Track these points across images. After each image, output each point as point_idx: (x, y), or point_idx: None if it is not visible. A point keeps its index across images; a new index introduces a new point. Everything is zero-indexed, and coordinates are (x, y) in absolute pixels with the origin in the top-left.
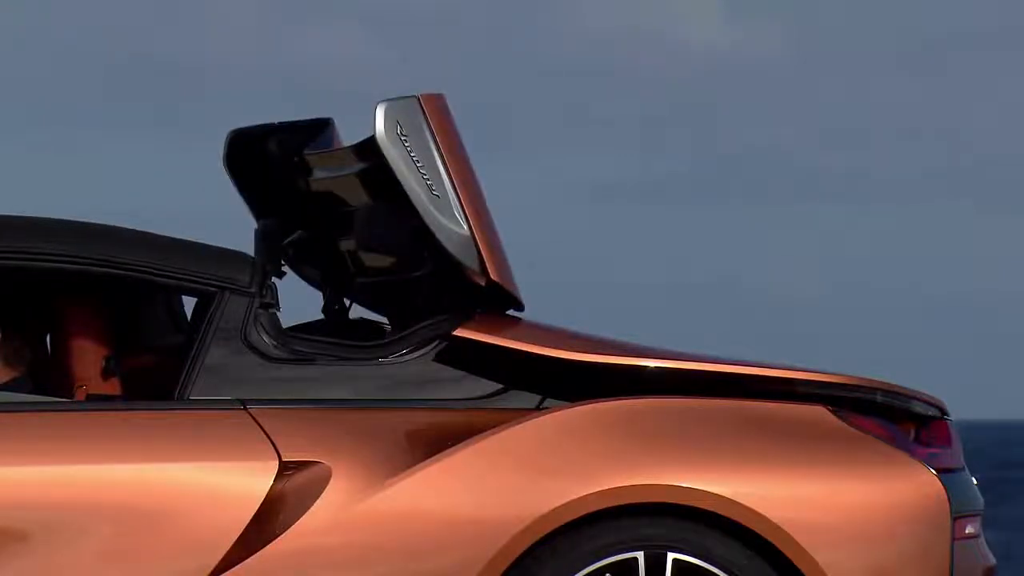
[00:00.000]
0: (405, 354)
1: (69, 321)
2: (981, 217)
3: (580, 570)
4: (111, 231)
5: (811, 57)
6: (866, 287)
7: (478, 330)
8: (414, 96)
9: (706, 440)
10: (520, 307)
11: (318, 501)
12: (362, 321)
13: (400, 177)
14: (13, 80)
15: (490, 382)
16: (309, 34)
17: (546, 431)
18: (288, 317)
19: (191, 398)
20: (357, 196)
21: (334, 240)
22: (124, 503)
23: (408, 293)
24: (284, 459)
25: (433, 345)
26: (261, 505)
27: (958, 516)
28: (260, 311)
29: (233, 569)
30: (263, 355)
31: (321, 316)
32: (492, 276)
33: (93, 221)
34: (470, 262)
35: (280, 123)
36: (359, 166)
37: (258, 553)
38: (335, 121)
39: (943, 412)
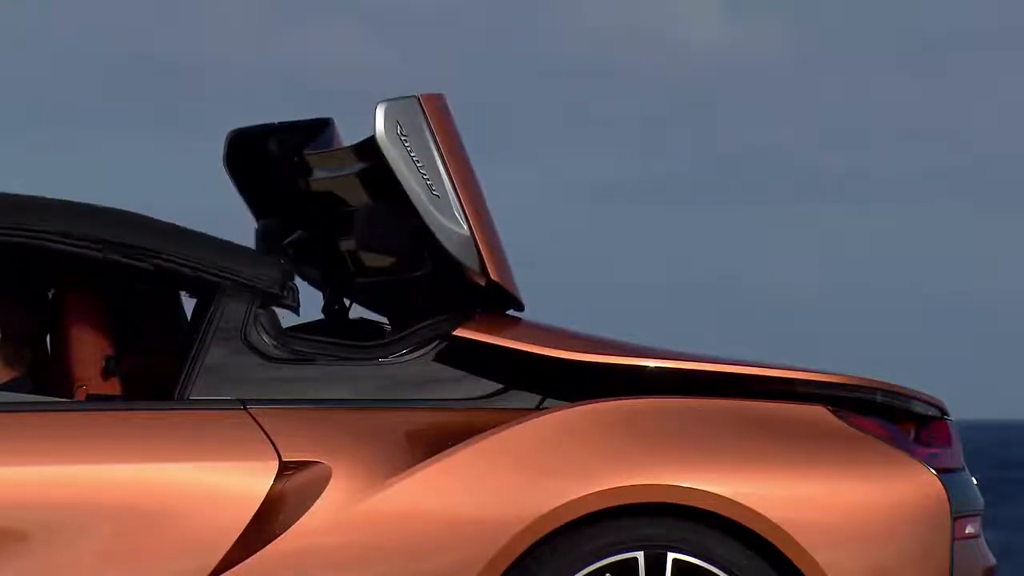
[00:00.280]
0: (405, 354)
1: (69, 320)
2: (981, 217)
3: (580, 570)
4: (143, 219)
5: (811, 57)
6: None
7: (478, 330)
8: (414, 96)
9: (706, 440)
10: (520, 307)
11: (318, 501)
12: (362, 321)
13: (400, 177)
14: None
15: (490, 382)
16: (309, 34)
17: (546, 431)
18: (288, 317)
19: (191, 398)
20: (357, 196)
21: (334, 240)
22: (124, 503)
23: (408, 293)
24: (284, 459)
25: (433, 345)
26: (261, 505)
27: (958, 516)
28: (260, 311)
29: (233, 569)
30: (263, 355)
31: (321, 316)
32: (492, 276)
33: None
34: (470, 262)
35: (280, 123)
36: (359, 166)
37: (258, 553)
38: (335, 121)
39: (943, 412)
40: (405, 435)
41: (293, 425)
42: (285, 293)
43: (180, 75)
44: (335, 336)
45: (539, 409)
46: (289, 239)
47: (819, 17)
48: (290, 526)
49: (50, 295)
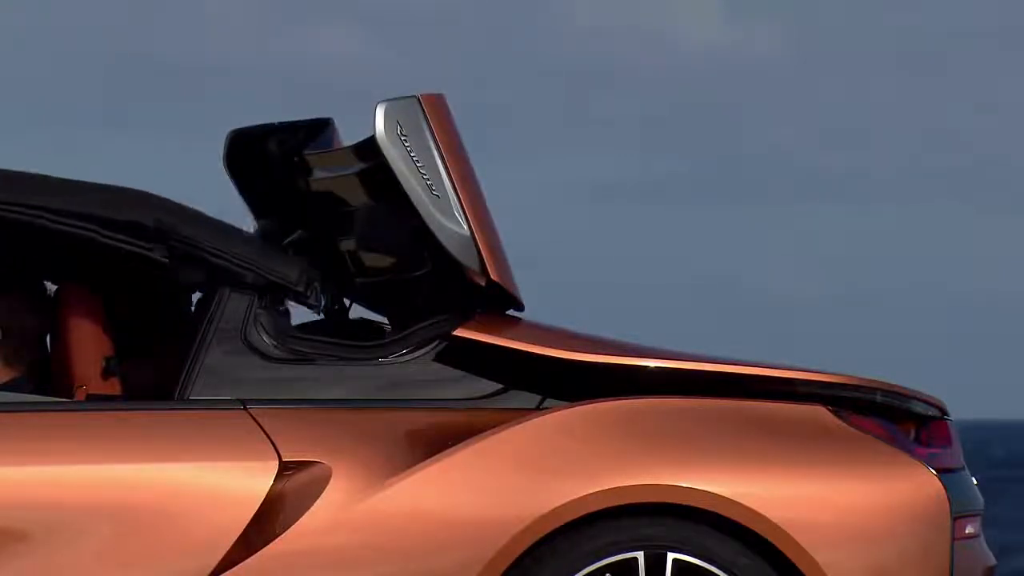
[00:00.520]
0: (405, 354)
1: (69, 320)
2: (981, 217)
3: (580, 570)
4: (179, 207)
5: (811, 57)
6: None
7: (478, 330)
8: (414, 96)
9: (706, 440)
10: (520, 307)
11: (318, 501)
12: (362, 321)
13: (400, 177)
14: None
15: (490, 382)
16: (309, 34)
17: (546, 431)
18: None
19: (191, 398)
20: (357, 196)
21: (334, 240)
22: (124, 503)
23: (408, 293)
24: (284, 459)
25: (433, 345)
26: (261, 505)
27: (958, 516)
28: (260, 311)
29: (233, 569)
30: (263, 355)
31: (321, 316)
32: (492, 276)
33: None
34: (470, 262)
35: (280, 123)
36: (359, 166)
37: (258, 553)
38: (335, 121)
39: (943, 412)
40: (405, 435)
41: (293, 425)
42: (308, 292)
43: (180, 75)
44: (335, 336)
45: (539, 409)
46: (289, 239)
47: (819, 17)
48: (290, 526)
49: (52, 292)
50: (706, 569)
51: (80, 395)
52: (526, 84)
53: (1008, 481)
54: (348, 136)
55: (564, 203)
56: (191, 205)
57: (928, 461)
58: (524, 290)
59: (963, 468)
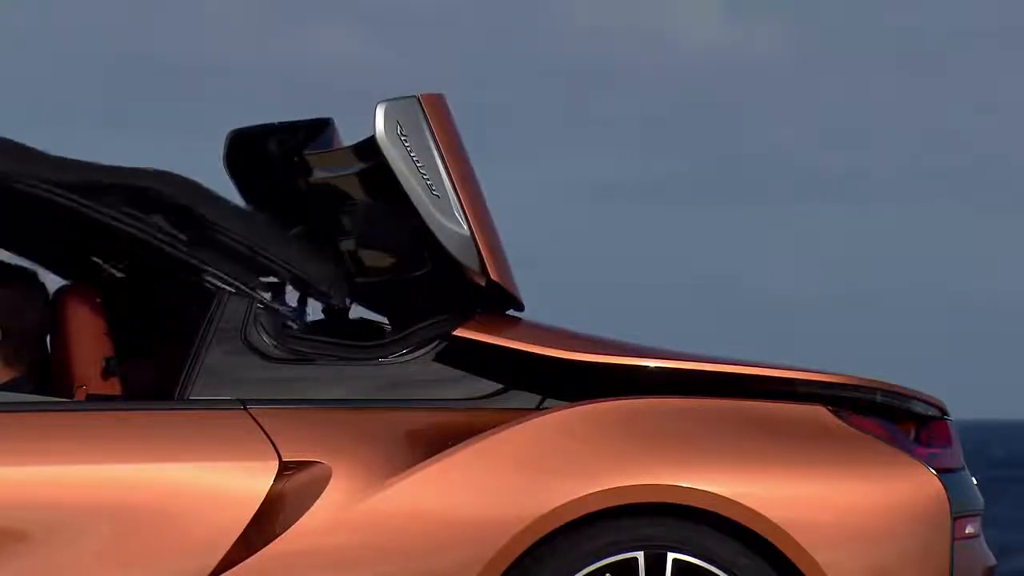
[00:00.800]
0: (405, 354)
1: (69, 320)
2: (981, 217)
3: (580, 570)
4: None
5: (811, 57)
6: (866, 287)
7: (478, 330)
8: (414, 96)
9: (706, 440)
10: (520, 307)
11: (318, 501)
12: (362, 321)
13: (400, 177)
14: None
15: (490, 382)
16: (309, 34)
17: (546, 431)
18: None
19: (191, 398)
20: (357, 196)
21: (334, 240)
22: (124, 503)
23: (408, 293)
24: (284, 459)
25: (433, 345)
26: (261, 505)
27: (958, 516)
28: (260, 311)
29: (233, 569)
30: (263, 355)
31: (321, 316)
32: (492, 276)
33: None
34: (470, 262)
35: (280, 123)
36: (359, 166)
37: (258, 553)
38: (335, 121)
39: (943, 412)
40: (405, 435)
41: (293, 425)
42: (333, 293)
43: (180, 75)
44: (335, 336)
45: (539, 409)
46: None
47: (819, 17)
48: (290, 526)
49: (52, 292)
50: (706, 569)
51: (80, 395)
52: (526, 84)
53: (1008, 481)
54: (348, 136)
55: (564, 203)
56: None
57: (928, 461)
58: (524, 290)
59: (963, 468)
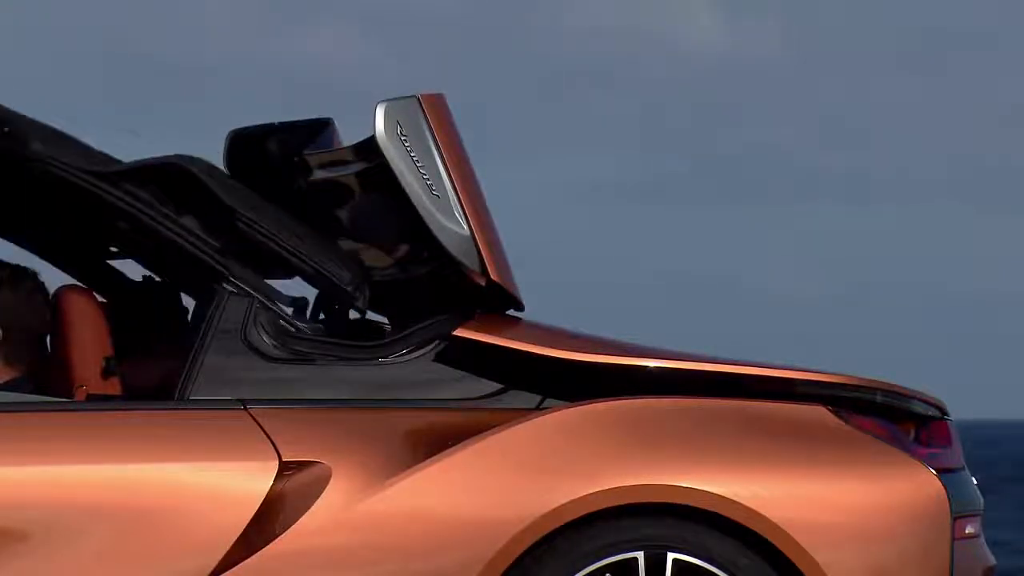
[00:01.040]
0: (405, 354)
1: (69, 320)
2: (981, 217)
3: (580, 570)
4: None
5: (811, 57)
6: (866, 287)
7: (478, 330)
8: (414, 96)
9: (706, 440)
10: (520, 307)
11: (318, 501)
12: (362, 321)
13: (400, 177)
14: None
15: (490, 382)
16: (309, 34)
17: (546, 431)
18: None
19: (191, 398)
20: (357, 196)
21: (334, 240)
22: (124, 503)
23: (408, 293)
24: (284, 459)
25: (433, 345)
26: (261, 505)
27: (958, 516)
28: (260, 311)
29: (233, 569)
30: (263, 355)
31: (321, 316)
32: (492, 276)
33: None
34: (470, 262)
35: (280, 123)
36: (359, 166)
37: (258, 553)
38: (335, 121)
39: (943, 412)
40: (405, 435)
41: (293, 425)
42: (358, 294)
43: (180, 75)
44: (335, 336)
45: (539, 409)
46: None
47: (819, 17)
48: (290, 526)
49: (52, 292)
50: (706, 569)
51: (80, 395)
52: (526, 84)
53: (1008, 481)
54: (348, 136)
55: (564, 203)
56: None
57: (928, 461)
58: (523, 290)
59: (963, 468)
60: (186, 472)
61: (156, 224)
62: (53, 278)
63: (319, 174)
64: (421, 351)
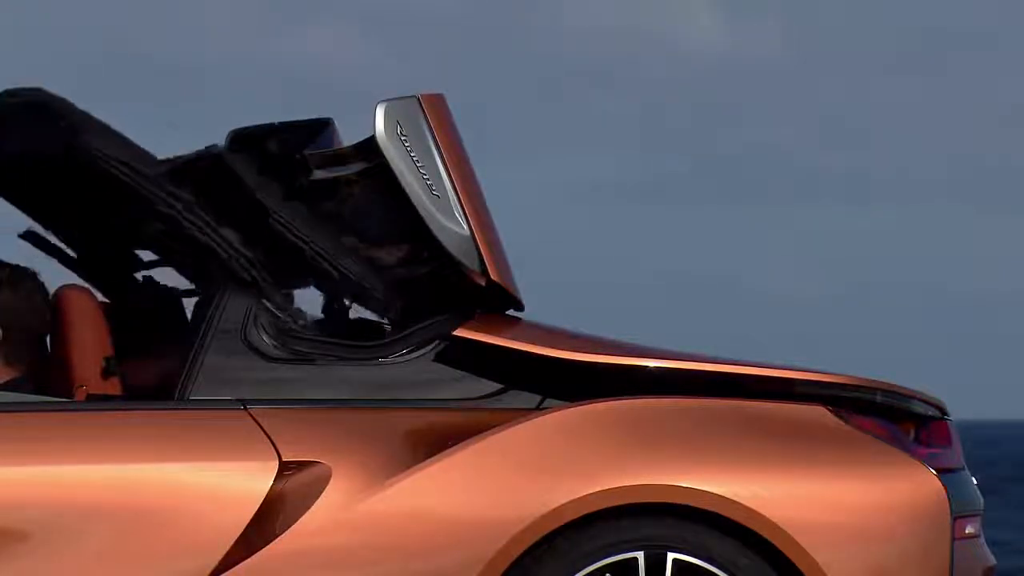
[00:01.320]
0: (405, 354)
1: (69, 320)
2: (981, 217)
3: (580, 570)
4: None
5: (811, 57)
6: (866, 287)
7: (478, 330)
8: (414, 96)
9: (706, 440)
10: (520, 307)
11: (318, 501)
12: (362, 321)
13: (400, 177)
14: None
15: (490, 382)
16: (310, 34)
17: (546, 431)
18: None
19: (191, 398)
20: (357, 196)
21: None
22: (124, 503)
23: (408, 293)
24: (284, 459)
25: (433, 345)
26: (261, 505)
27: (958, 516)
28: (260, 311)
29: (233, 569)
30: (263, 355)
31: (321, 316)
32: (492, 276)
33: None
34: (470, 262)
35: (280, 123)
36: (359, 166)
37: (258, 553)
38: (335, 121)
39: (943, 412)
40: (405, 435)
41: (293, 425)
42: (388, 304)
43: (180, 75)
44: (335, 336)
45: (539, 409)
46: None
47: (819, 17)
48: (290, 526)
49: (52, 292)
50: (706, 569)
51: (80, 395)
52: (526, 84)
53: (1008, 481)
54: (348, 136)
55: (564, 203)
56: None
57: (928, 461)
58: (523, 290)
59: (963, 468)
60: (186, 472)
61: (194, 230)
62: (53, 278)
63: (319, 174)
64: (421, 351)
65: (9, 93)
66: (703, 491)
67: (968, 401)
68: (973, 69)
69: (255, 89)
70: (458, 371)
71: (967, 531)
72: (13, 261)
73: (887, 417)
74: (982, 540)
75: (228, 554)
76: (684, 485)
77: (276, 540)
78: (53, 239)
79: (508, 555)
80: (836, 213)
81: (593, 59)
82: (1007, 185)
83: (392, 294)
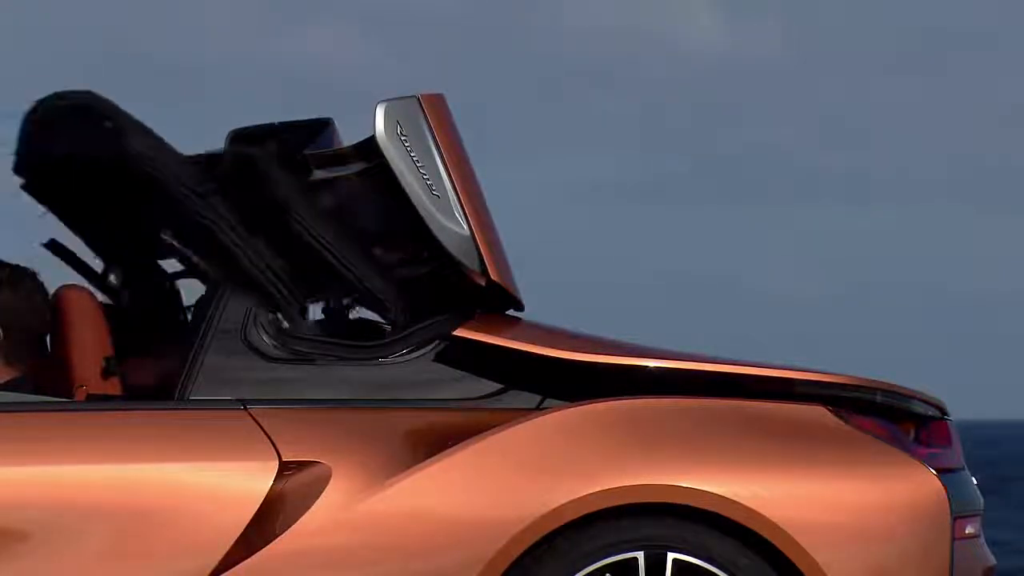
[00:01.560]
0: (405, 354)
1: (69, 320)
2: (981, 217)
3: (580, 570)
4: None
5: (811, 57)
6: (866, 287)
7: (478, 330)
8: (414, 96)
9: (706, 440)
10: (520, 307)
11: (318, 501)
12: (362, 321)
13: (400, 177)
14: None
15: (490, 382)
16: (310, 34)
17: (546, 431)
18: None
19: (191, 398)
20: (357, 196)
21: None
22: (124, 503)
23: (408, 293)
24: (284, 459)
25: (433, 345)
26: (261, 505)
27: (958, 516)
28: (260, 311)
29: (233, 569)
30: (263, 355)
31: (321, 316)
32: (492, 276)
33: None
34: (470, 262)
35: (280, 123)
36: (359, 166)
37: (258, 553)
38: (335, 121)
39: (943, 412)
40: (405, 435)
41: (293, 425)
42: (396, 311)
43: (180, 75)
44: (335, 336)
45: (539, 409)
46: None
47: (819, 17)
48: (290, 526)
49: (52, 292)
50: (706, 569)
51: (80, 395)
52: (526, 84)
53: (1008, 481)
54: (348, 136)
55: (564, 203)
56: None
57: (928, 461)
58: (523, 290)
59: (963, 468)
60: (186, 472)
61: (229, 243)
62: (53, 278)
63: (319, 174)
64: (421, 351)
65: (58, 96)
66: (703, 491)
67: (968, 401)
68: (973, 69)
69: (255, 89)
70: (458, 371)
71: (967, 531)
72: (13, 261)
73: (887, 417)
74: (982, 540)
75: (228, 554)
76: (684, 485)
77: (276, 540)
78: (79, 248)
79: (508, 555)
80: (836, 213)
81: (593, 59)
82: (1007, 185)
83: (393, 294)
